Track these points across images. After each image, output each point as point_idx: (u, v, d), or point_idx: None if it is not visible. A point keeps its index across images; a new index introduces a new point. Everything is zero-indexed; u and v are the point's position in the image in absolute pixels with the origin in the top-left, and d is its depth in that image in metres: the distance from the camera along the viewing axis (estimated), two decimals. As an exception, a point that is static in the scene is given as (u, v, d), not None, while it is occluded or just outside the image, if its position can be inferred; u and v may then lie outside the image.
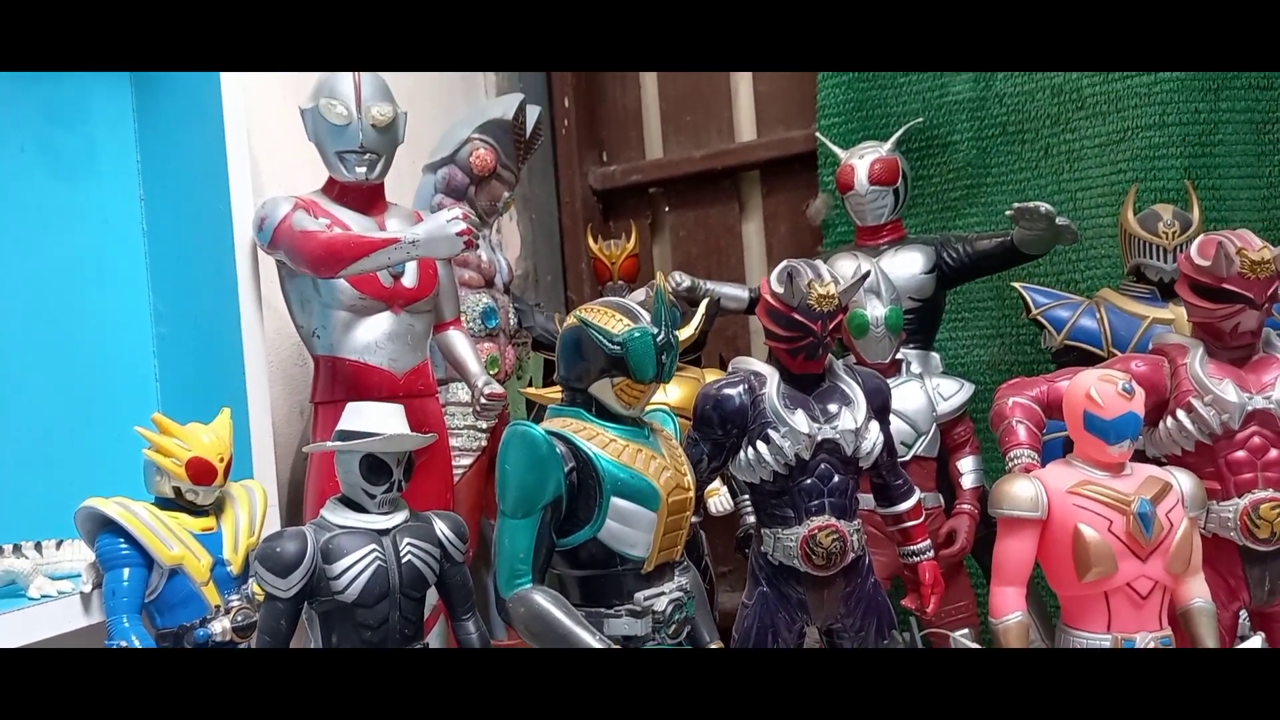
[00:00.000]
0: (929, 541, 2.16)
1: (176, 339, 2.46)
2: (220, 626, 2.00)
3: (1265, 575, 1.94)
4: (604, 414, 1.67)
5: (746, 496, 2.45)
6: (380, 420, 1.86)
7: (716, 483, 2.71)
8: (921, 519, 2.16)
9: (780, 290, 1.98)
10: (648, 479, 1.61)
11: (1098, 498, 1.75)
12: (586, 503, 1.58)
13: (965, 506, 2.54)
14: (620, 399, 1.65)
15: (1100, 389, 1.77)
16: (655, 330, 1.63)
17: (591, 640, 1.51)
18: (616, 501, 1.58)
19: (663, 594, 1.63)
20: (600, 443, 1.61)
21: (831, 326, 1.96)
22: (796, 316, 1.95)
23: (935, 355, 2.89)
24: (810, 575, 1.98)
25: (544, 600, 1.53)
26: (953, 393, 2.60)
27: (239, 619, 2.00)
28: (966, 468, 2.58)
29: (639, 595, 1.61)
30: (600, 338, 1.62)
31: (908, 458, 2.51)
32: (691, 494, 1.71)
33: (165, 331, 2.46)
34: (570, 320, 1.69)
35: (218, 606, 2.02)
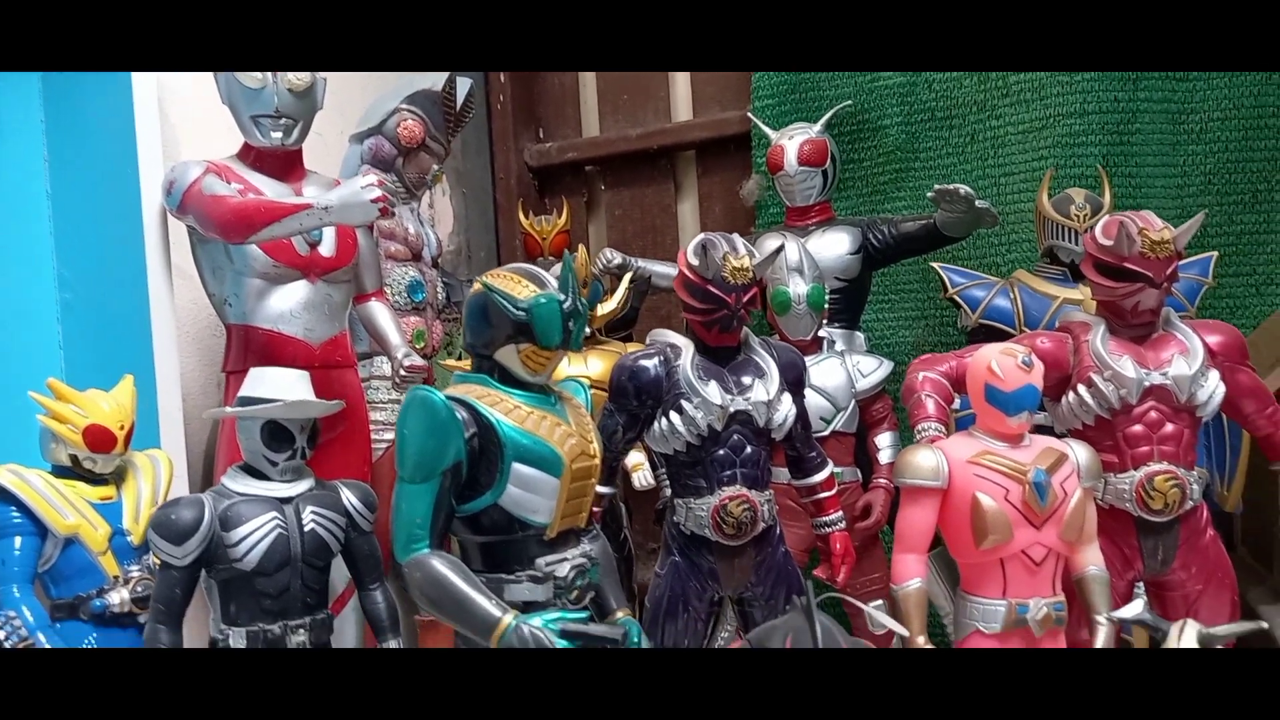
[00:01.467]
0: (841, 513, 2.19)
1: (82, 306, 2.38)
2: (119, 597, 1.95)
3: (1159, 545, 2.00)
4: (510, 381, 1.65)
5: (664, 470, 2.45)
6: (284, 386, 1.83)
7: (640, 457, 2.72)
8: (834, 491, 2.19)
9: (695, 262, 1.99)
10: (551, 445, 1.60)
11: (996, 467, 1.79)
12: (488, 469, 1.57)
13: (881, 481, 2.58)
14: (526, 366, 1.63)
15: (1001, 362, 1.81)
16: (562, 297, 1.62)
17: (489, 605, 1.49)
18: (518, 467, 1.57)
19: (565, 560, 1.62)
20: (503, 409, 1.60)
21: (746, 299, 1.97)
22: (711, 289, 1.95)
23: (860, 335, 2.93)
24: (721, 544, 2.00)
25: (441, 565, 1.51)
26: (872, 370, 2.63)
27: (139, 590, 1.95)
28: (884, 443, 2.62)
29: (540, 561, 1.60)
30: (505, 303, 1.60)
31: (826, 433, 2.54)
32: (597, 462, 1.70)
33: (70, 298, 2.38)
34: (476, 286, 1.67)
35: (116, 577, 1.97)
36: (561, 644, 1.50)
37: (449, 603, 1.50)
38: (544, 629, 1.49)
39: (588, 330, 2.60)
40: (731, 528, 1.97)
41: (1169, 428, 1.98)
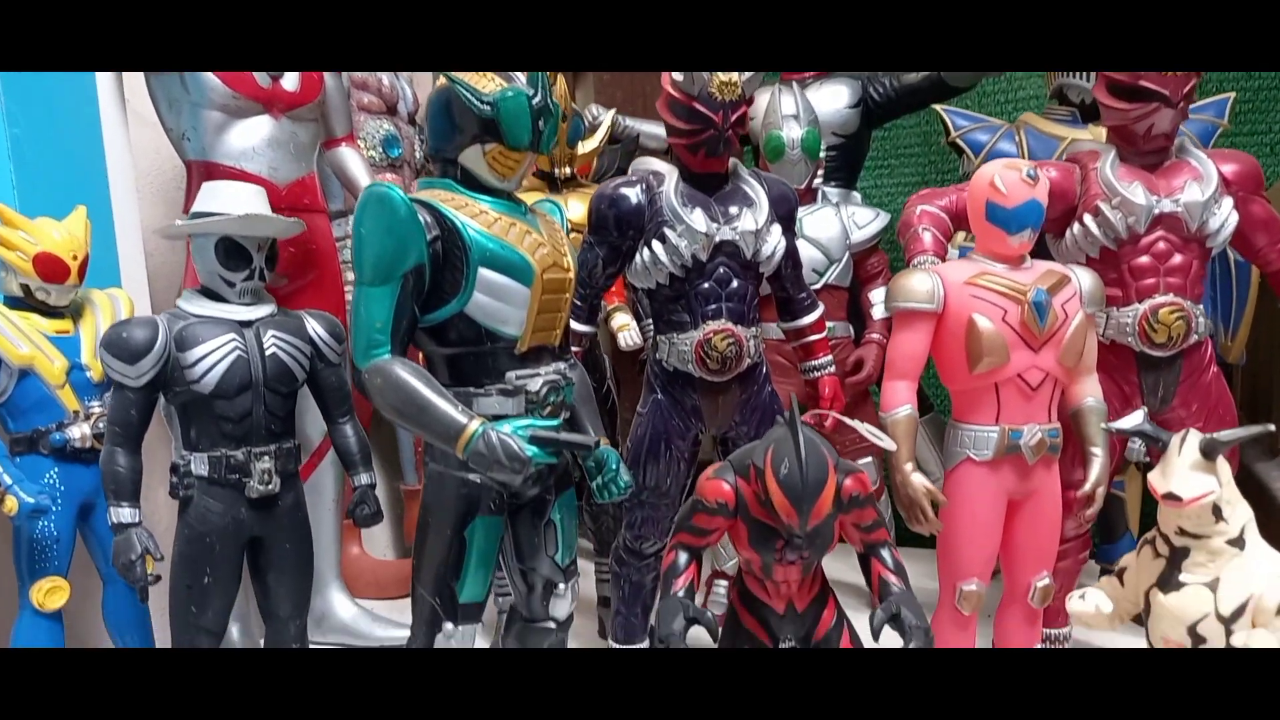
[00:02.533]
0: (830, 357, 2.11)
1: (34, 141, 2.24)
2: (79, 432, 1.88)
3: (1159, 382, 1.93)
4: (477, 187, 1.54)
5: (650, 320, 2.37)
6: (239, 200, 1.72)
7: (626, 319, 2.63)
8: (824, 334, 2.10)
9: (680, 79, 1.85)
10: (520, 251, 1.50)
11: (994, 288, 1.70)
12: (452, 275, 1.47)
13: (874, 336, 2.50)
14: (493, 169, 1.52)
15: (1004, 176, 1.70)
16: (531, 92, 1.49)
17: (454, 412, 1.42)
18: (485, 273, 1.47)
19: (537, 375, 1.53)
20: (469, 213, 1.49)
21: (734, 118, 1.85)
22: (697, 106, 1.83)
23: (856, 194, 2.81)
24: (705, 381, 1.92)
25: (403, 370, 1.43)
26: (868, 221, 2.52)
27: (100, 425, 1.87)
28: (877, 299, 2.53)
29: (511, 374, 1.52)
30: (470, 98, 1.48)
31: (819, 285, 2.45)
32: (571, 275, 1.60)
33: (20, 133, 2.24)
34: (440, 81, 1.54)
35: (76, 412, 1.90)
36: (531, 450, 1.42)
37: (411, 409, 1.42)
38: (513, 435, 1.42)
39: (567, 171, 2.47)
40: (715, 362, 1.89)
41: (1177, 259, 1.88)
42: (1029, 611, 1.81)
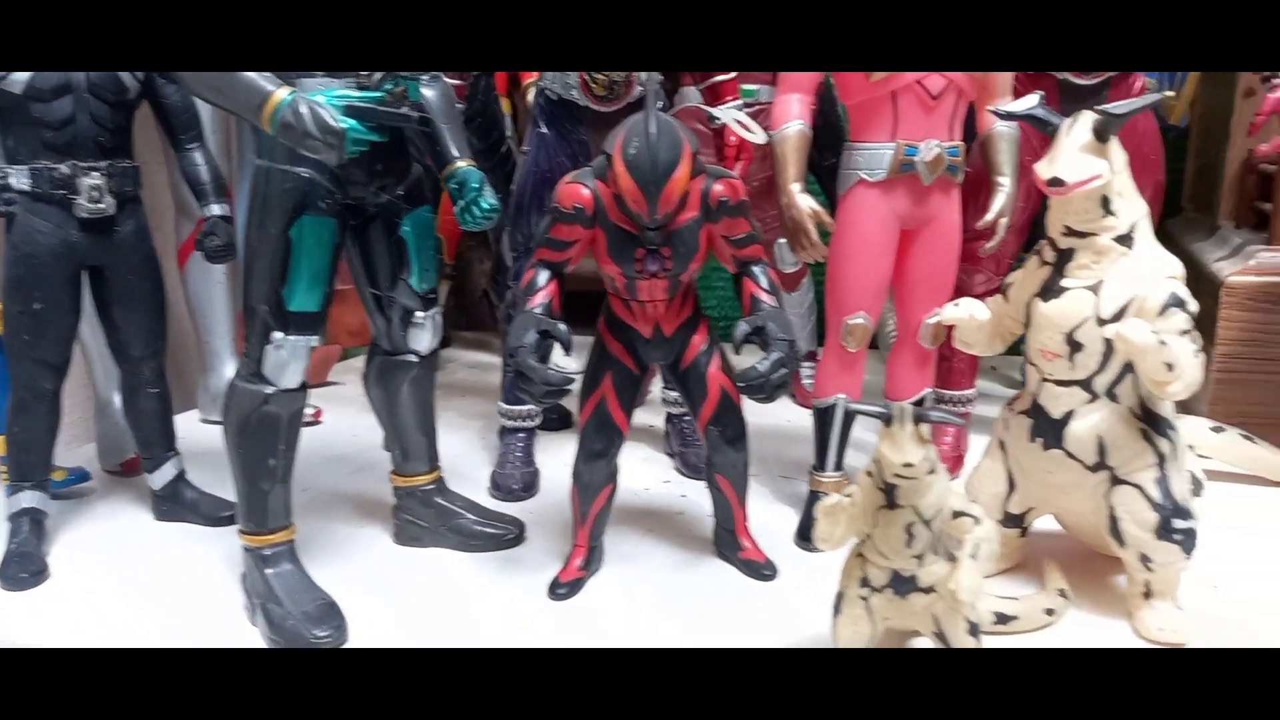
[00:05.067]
0: (740, 102, 1.94)
1: None
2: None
3: (1082, 115, 1.78)
4: None
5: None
6: None
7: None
8: (733, 76, 1.93)
9: None
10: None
11: (894, -17, 1.52)
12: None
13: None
14: None
15: None
16: None
17: (260, 80, 1.26)
18: (301, -70, 1.29)
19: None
20: None
21: None
22: None
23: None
24: (591, 110, 1.77)
25: (205, 35, 1.27)
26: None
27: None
28: (805, 61, 2.34)
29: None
30: None
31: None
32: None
33: None
34: None
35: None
36: (347, 122, 1.29)
37: (216, 77, 1.27)
38: (326, 105, 1.27)
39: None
40: (602, 88, 1.73)
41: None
42: (920, 353, 1.71)
